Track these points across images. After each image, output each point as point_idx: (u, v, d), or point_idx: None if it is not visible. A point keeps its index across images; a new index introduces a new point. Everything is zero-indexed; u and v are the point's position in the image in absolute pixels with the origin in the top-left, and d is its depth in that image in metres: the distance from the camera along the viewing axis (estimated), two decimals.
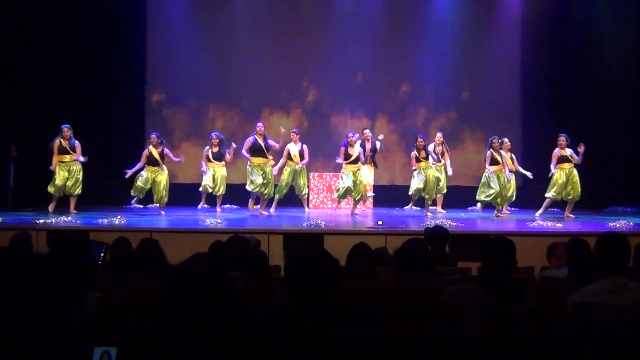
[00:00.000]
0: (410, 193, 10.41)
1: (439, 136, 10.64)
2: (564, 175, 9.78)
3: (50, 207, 9.37)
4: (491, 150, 9.94)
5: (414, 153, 10.16)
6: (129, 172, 9.75)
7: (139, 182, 9.71)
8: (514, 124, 12.15)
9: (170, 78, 12.18)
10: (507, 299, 2.86)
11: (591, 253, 3.69)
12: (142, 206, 10.39)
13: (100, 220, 7.92)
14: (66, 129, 9.47)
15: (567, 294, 2.98)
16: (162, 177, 9.79)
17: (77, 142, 9.58)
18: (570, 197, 9.78)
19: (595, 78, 11.78)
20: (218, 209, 10.53)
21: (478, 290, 2.91)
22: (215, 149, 10.40)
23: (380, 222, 7.74)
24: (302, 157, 10.54)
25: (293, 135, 10.55)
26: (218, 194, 10.52)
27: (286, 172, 10.49)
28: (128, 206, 10.17)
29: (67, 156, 9.47)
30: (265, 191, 9.83)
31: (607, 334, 2.42)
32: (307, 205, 11.01)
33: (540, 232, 7.48)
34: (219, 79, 12.26)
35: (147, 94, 12.22)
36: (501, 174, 9.92)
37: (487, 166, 9.96)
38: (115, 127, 11.82)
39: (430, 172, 10.14)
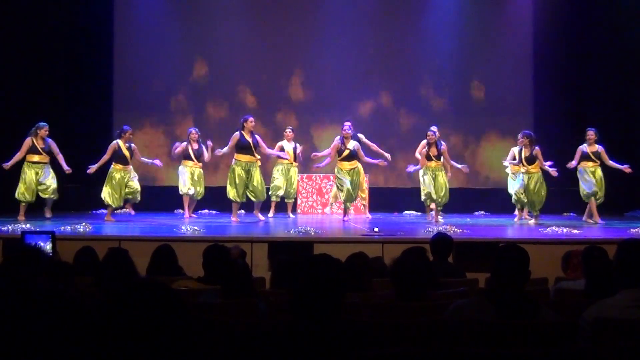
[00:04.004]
0: (422, 199, 9.98)
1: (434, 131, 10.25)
2: (586, 174, 9.73)
3: (20, 215, 9.25)
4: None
5: (424, 150, 9.80)
6: (93, 168, 9.57)
7: (111, 186, 9.47)
8: (525, 118, 12.22)
9: (140, 70, 12.13)
10: (518, 314, 2.86)
11: (610, 262, 3.71)
12: (133, 212, 10.29)
13: (62, 227, 7.86)
14: (46, 128, 9.44)
15: (584, 307, 2.99)
16: (129, 177, 9.66)
17: (51, 141, 9.52)
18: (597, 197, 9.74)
19: (615, 68, 11.85)
20: (192, 215, 10.36)
21: (486, 305, 2.90)
22: (195, 146, 10.31)
23: (376, 229, 7.73)
24: (295, 156, 10.59)
25: (287, 132, 10.59)
26: (196, 198, 10.43)
27: (278, 171, 10.52)
28: (121, 215, 9.94)
29: (36, 156, 9.40)
30: (252, 194, 9.60)
31: (628, 353, 2.42)
32: (292, 211, 10.96)
33: (555, 239, 7.51)
34: (196, 73, 12.24)
35: (115, 87, 12.17)
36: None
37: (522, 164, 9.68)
38: (78, 125, 11.74)
39: (441, 174, 9.83)
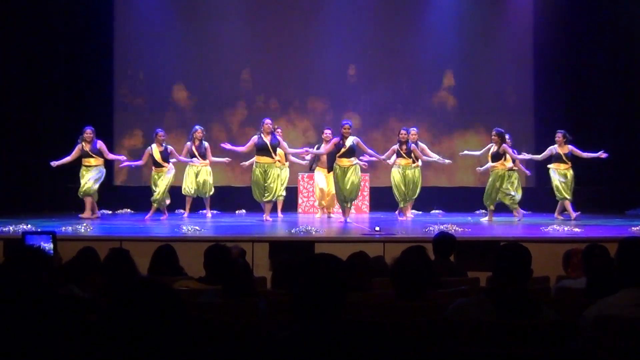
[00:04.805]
0: (397, 199, 10.39)
1: (413, 132, 10.49)
2: (556, 177, 9.94)
3: (86, 213, 9.64)
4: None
5: (395, 146, 10.21)
6: (126, 163, 10.03)
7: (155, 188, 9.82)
8: (526, 117, 12.21)
9: (141, 72, 12.14)
10: (519, 313, 2.86)
11: (611, 261, 3.70)
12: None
13: (63, 228, 7.87)
14: (89, 132, 9.73)
15: (585, 306, 2.98)
16: (166, 178, 9.83)
17: (99, 142, 9.80)
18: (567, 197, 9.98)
19: (616, 66, 11.83)
20: (208, 214, 10.47)
21: (487, 304, 2.90)
22: (198, 143, 10.31)
23: (377, 228, 7.73)
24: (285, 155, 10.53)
25: (276, 132, 10.54)
26: (206, 197, 10.46)
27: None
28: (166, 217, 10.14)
29: (91, 160, 9.73)
30: (267, 194, 9.75)
31: (629, 351, 2.42)
32: (281, 210, 10.87)
33: (556, 237, 7.51)
34: (196, 72, 12.24)
35: (115, 89, 12.17)
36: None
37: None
38: (80, 126, 11.73)
39: (410, 172, 10.19)
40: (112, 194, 11.27)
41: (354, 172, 9.57)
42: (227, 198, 11.17)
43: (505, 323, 2.79)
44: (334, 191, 10.01)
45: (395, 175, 10.28)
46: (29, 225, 8.17)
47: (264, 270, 6.34)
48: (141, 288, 1.77)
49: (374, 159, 10.12)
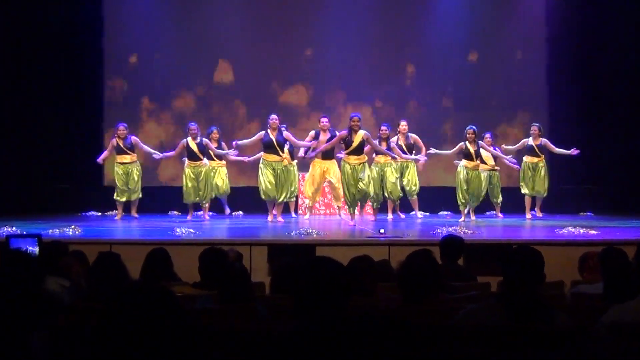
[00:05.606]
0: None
1: (403, 125, 10.45)
2: (527, 170, 10.41)
3: (117, 215, 10.05)
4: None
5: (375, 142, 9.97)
6: (159, 155, 10.15)
7: (189, 185, 9.93)
8: (539, 110, 12.19)
9: (133, 67, 12.14)
10: (532, 319, 2.85)
11: (629, 264, 3.70)
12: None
13: (50, 230, 7.87)
14: (122, 128, 9.97)
15: (602, 312, 2.98)
16: (206, 172, 10.00)
17: (133, 138, 10.09)
18: (535, 192, 10.43)
19: (634, 60, 11.80)
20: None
21: (498, 309, 2.90)
22: (215, 145, 10.38)
23: (382, 231, 7.72)
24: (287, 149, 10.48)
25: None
26: (222, 195, 10.62)
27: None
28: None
29: (127, 156, 9.99)
30: (279, 195, 9.81)
31: None
32: (295, 211, 10.93)
33: (571, 240, 7.50)
34: (192, 62, 12.23)
35: (105, 82, 12.15)
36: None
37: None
38: (69, 122, 11.75)
39: (389, 170, 10.16)
40: (101, 195, 11.24)
41: (364, 170, 9.35)
42: (225, 201, 11.16)
43: (517, 329, 2.79)
44: (332, 187, 9.95)
45: (374, 174, 10.07)
46: (14, 228, 8.17)
47: (262, 274, 6.34)
48: (137, 291, 1.76)
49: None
